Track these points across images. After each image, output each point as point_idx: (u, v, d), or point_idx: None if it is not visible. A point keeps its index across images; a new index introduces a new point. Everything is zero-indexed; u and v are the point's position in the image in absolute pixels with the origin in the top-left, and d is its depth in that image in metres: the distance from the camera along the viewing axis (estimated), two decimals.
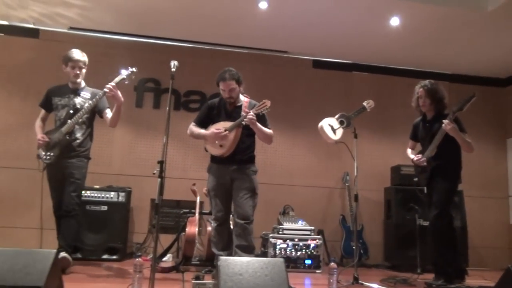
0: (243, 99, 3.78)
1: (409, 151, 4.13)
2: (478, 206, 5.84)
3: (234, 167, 3.63)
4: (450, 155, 3.71)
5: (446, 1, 4.61)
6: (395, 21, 4.93)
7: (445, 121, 3.61)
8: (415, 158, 3.87)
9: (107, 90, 3.62)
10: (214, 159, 3.73)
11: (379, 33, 5.24)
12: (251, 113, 3.51)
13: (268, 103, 3.55)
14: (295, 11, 4.87)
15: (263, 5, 4.76)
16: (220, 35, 5.63)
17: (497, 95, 6.42)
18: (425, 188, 3.90)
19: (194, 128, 3.77)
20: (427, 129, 3.89)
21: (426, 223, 5.03)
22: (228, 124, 3.62)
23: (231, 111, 3.73)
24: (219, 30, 5.46)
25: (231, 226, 3.80)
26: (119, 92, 3.65)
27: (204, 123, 3.76)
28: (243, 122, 3.55)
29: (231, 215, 3.79)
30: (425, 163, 3.77)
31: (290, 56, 6.08)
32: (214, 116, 3.75)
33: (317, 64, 6.15)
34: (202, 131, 3.71)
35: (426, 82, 3.91)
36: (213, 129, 3.63)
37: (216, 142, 3.60)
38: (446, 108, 3.86)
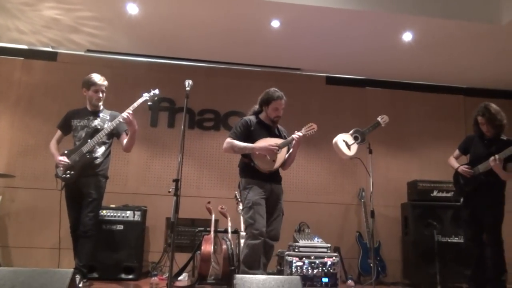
0: None
1: (452, 159, 4.19)
2: None
3: (274, 185, 3.65)
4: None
5: (459, 15, 4.59)
6: (407, 36, 4.92)
7: (493, 159, 3.71)
8: (463, 168, 3.95)
9: (125, 117, 3.69)
10: (255, 175, 3.59)
11: (391, 48, 5.23)
12: (301, 134, 3.57)
13: (315, 126, 3.63)
14: (307, 29, 4.90)
15: (275, 24, 4.79)
16: (233, 54, 5.68)
17: None
18: (461, 199, 4.02)
19: (236, 142, 3.60)
20: (486, 146, 3.94)
21: (444, 239, 4.99)
22: (277, 140, 3.62)
23: (274, 130, 3.77)
24: (232, 49, 5.51)
25: None
26: (135, 121, 3.73)
27: (241, 140, 3.62)
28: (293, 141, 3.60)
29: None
30: (470, 175, 3.90)
31: (303, 73, 6.10)
32: (251, 134, 3.66)
33: (330, 81, 6.16)
34: (249, 144, 3.57)
35: (482, 109, 3.91)
36: (264, 143, 3.56)
37: (268, 157, 3.57)
38: (504, 130, 3.92)
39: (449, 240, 5.03)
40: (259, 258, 3.50)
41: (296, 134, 3.58)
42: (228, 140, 3.64)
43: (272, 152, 3.55)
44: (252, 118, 3.77)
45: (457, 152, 4.23)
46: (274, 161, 3.58)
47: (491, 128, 3.87)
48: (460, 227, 4.98)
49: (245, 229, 3.58)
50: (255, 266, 3.45)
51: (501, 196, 3.84)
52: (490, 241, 3.79)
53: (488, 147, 3.91)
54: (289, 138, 3.63)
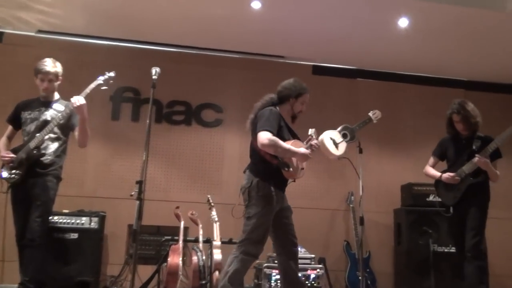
0: None
1: (430, 168, 4.23)
2: (499, 229, 5.78)
3: (284, 193, 3.60)
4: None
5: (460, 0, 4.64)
6: (403, 22, 4.95)
7: (478, 157, 3.79)
8: (448, 176, 3.97)
9: (72, 102, 3.62)
10: (281, 183, 3.51)
11: (386, 36, 5.27)
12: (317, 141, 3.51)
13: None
14: (292, 12, 4.89)
15: (256, 5, 4.77)
16: (208, 39, 5.65)
17: None
18: (450, 208, 3.99)
19: (280, 141, 3.30)
20: (465, 146, 4.01)
21: (441, 249, 5.06)
22: (301, 143, 3.52)
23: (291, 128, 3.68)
24: (207, 33, 5.48)
25: None
26: (85, 106, 3.64)
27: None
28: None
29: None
30: (457, 181, 3.93)
31: (287, 61, 6.11)
32: (280, 131, 3.43)
33: (317, 70, 6.18)
34: (293, 147, 3.35)
35: (458, 106, 4.00)
36: (304, 149, 3.40)
37: (300, 164, 3.49)
38: (479, 128, 4.02)
39: (446, 250, 5.11)
40: (244, 276, 3.43)
41: (314, 142, 3.46)
42: (270, 136, 3.27)
43: (308, 159, 3.46)
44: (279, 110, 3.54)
45: (432, 159, 4.27)
46: (303, 168, 3.52)
47: (468, 126, 3.96)
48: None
49: (242, 241, 3.36)
50: (239, 283, 3.36)
51: (488, 198, 3.95)
52: (472, 249, 3.77)
53: (467, 146, 3.98)
54: (309, 144, 3.47)
